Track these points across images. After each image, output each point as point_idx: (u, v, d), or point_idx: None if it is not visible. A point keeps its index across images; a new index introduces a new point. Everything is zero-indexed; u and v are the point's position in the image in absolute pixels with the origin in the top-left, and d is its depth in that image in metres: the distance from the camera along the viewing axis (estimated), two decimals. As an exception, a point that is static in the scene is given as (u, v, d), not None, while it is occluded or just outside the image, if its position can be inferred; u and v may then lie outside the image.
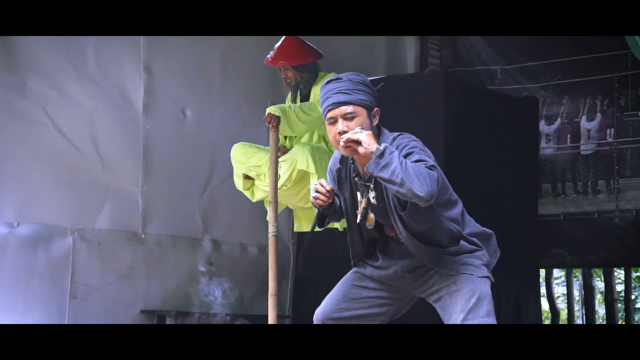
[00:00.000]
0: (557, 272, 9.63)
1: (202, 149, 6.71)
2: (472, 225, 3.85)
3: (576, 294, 9.10)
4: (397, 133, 3.76)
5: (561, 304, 9.74)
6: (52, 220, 5.96)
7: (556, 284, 9.73)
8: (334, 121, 3.68)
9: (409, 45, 8.12)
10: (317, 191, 3.68)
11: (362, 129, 3.60)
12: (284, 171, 5.32)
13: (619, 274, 9.44)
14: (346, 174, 3.83)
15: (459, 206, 3.83)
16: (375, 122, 3.74)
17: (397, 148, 3.63)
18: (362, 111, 3.67)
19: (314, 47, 5.56)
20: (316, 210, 3.83)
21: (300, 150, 5.29)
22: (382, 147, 3.50)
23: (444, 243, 3.74)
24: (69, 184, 6.04)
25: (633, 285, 8.00)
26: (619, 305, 8.40)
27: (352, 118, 3.65)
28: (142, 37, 6.39)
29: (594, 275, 8.35)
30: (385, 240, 3.90)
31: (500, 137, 6.64)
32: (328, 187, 3.69)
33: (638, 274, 10.81)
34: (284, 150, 5.48)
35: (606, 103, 7.47)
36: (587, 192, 7.50)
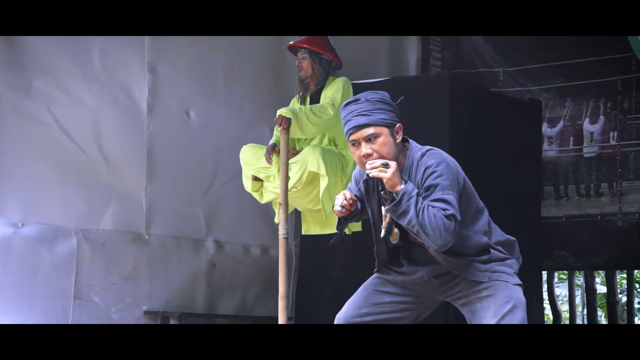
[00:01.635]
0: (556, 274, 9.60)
1: (206, 150, 6.70)
2: (497, 234, 3.84)
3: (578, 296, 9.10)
4: (427, 148, 3.71)
5: (559, 306, 9.71)
6: (56, 221, 5.96)
7: (555, 285, 9.70)
8: (357, 143, 3.65)
9: (411, 47, 8.11)
10: (342, 206, 3.68)
11: (386, 164, 3.56)
12: (294, 173, 5.30)
13: (621, 276, 9.43)
14: (373, 186, 3.79)
15: (485, 215, 3.80)
16: (399, 139, 3.69)
17: (424, 170, 3.61)
18: (384, 130, 3.63)
19: (337, 53, 5.59)
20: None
21: (311, 152, 5.26)
22: (400, 192, 3.50)
23: (473, 253, 3.71)
24: (74, 184, 6.04)
25: (636, 287, 7.98)
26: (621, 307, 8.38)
27: (374, 139, 3.62)
28: (146, 38, 6.39)
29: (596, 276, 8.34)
30: (409, 247, 3.85)
31: (503, 140, 6.64)
32: (352, 202, 3.70)
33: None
34: (293, 152, 5.47)
35: (609, 106, 7.47)
36: (590, 195, 7.50)
